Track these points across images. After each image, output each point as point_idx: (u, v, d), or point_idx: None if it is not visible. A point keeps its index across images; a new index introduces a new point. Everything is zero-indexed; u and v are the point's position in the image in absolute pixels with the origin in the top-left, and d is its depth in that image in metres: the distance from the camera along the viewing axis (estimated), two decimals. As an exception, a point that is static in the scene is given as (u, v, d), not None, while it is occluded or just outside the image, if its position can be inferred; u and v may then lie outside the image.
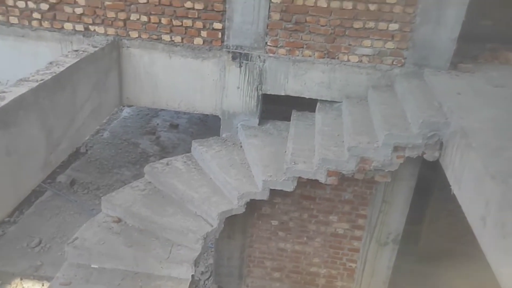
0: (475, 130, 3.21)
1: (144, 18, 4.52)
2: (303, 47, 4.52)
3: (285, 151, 4.35)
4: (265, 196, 4.15)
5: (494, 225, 2.53)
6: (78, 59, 3.93)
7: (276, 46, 4.54)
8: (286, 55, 4.57)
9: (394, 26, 4.34)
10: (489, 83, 4.17)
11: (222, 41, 4.58)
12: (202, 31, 4.53)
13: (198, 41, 4.58)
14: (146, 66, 4.73)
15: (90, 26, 4.62)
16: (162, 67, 4.71)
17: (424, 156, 3.73)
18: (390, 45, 4.42)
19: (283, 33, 4.47)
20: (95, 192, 6.86)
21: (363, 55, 4.50)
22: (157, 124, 8.95)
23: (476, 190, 2.87)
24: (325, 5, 4.31)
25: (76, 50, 4.18)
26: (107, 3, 4.48)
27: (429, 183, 5.85)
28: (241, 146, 4.76)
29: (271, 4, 4.36)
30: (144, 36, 4.61)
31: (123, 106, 8.27)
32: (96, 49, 4.27)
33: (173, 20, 4.50)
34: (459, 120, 3.38)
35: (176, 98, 4.86)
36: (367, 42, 4.43)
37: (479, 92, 3.95)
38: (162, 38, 4.60)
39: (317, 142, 4.17)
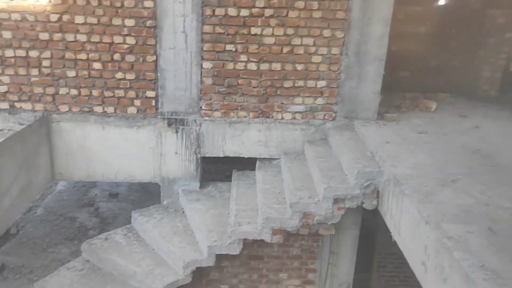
0: (406, 177, 3.36)
1: (74, 92, 4.45)
2: (237, 109, 4.63)
3: (229, 213, 4.30)
4: (211, 262, 4.03)
5: (434, 270, 2.60)
6: (3, 139, 3.74)
7: (211, 110, 4.61)
8: (221, 117, 4.64)
9: (322, 83, 4.58)
10: (413, 130, 4.44)
11: (157, 109, 4.58)
12: (135, 100, 4.53)
13: (131, 110, 4.55)
14: (79, 139, 4.60)
15: (16, 103, 4.46)
16: (96, 139, 4.60)
17: (364, 205, 3.82)
18: (320, 101, 4.64)
19: (216, 97, 4.56)
20: (29, 276, 6.30)
21: (296, 112, 4.67)
22: (96, 194, 8.56)
23: (414, 236, 2.96)
24: (255, 68, 4.48)
25: (1, 130, 3.98)
26: (33, 79, 4.38)
27: (372, 228, 5.98)
28: (183, 212, 4.66)
29: (202, 70, 4.47)
30: (75, 109, 4.52)
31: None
32: (23, 126, 4.11)
33: (104, 91, 4.47)
34: (391, 168, 3.53)
35: (112, 169, 4.73)
36: (299, 100, 4.63)
37: (405, 139, 4.19)
38: (94, 110, 4.53)
39: (260, 201, 4.17)
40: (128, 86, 4.47)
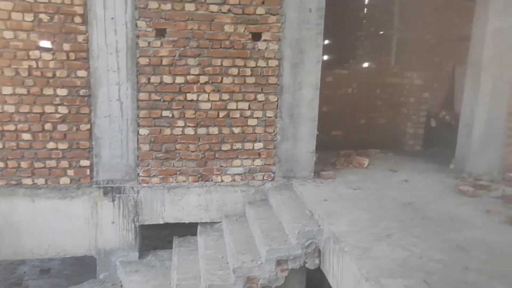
0: (345, 234, 3.45)
1: (0, 164, 4.22)
2: (176, 174, 4.59)
3: (170, 283, 4.12)
4: None
5: (378, 328, 2.62)
6: None
7: (149, 176, 4.54)
8: (160, 183, 4.58)
9: (259, 145, 4.70)
10: (349, 187, 4.62)
11: (91, 178, 4.44)
12: (68, 170, 4.37)
13: (64, 180, 4.37)
14: (5, 215, 4.30)
15: None
16: (25, 213, 4.33)
17: (306, 265, 3.83)
18: (258, 162, 4.73)
19: (154, 163, 4.52)
20: None
21: (235, 174, 4.71)
22: (24, 272, 7.84)
23: (356, 294, 2.99)
24: (192, 133, 4.53)
25: None
26: (-47, 153, 4.13)
27: (319, 285, 5.95)
28: (121, 286, 4.40)
29: (139, 137, 4.45)
30: (1, 182, 4.26)
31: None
32: None
33: (34, 162, 4.28)
34: (329, 226, 3.61)
35: (43, 244, 4.42)
36: (237, 162, 4.69)
37: (342, 196, 4.33)
38: (23, 183, 4.30)
39: (202, 268, 4.05)
40: (60, 156, 4.32)
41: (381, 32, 8.37)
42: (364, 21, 8.52)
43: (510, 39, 4.88)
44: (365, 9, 8.59)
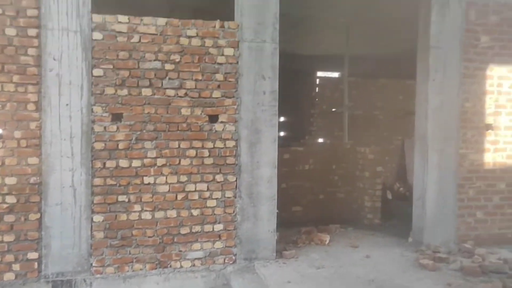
0: (310, 318, 3.33)
1: None
2: (132, 262, 4.37)
3: None
4: None
5: None
6: None
7: (103, 266, 4.29)
8: (115, 273, 4.32)
9: (219, 227, 4.60)
10: (312, 266, 4.54)
11: (39, 271, 4.13)
12: (14, 264, 4.05)
13: (9, 276, 4.03)
14: None
15: None
16: (-39, 316, 3.92)
17: None
18: (218, 244, 4.60)
19: (109, 251, 4.29)
20: None
21: (195, 258, 4.55)
22: None
23: None
24: (149, 217, 4.39)
25: None
26: None
27: None
28: None
29: (93, 224, 4.25)
30: None
31: None
32: None
33: (-25, 258, 3.96)
34: (294, 311, 3.48)
35: None
36: (197, 245, 4.55)
37: (305, 276, 4.23)
38: (-39, 281, 3.94)
39: None
40: (6, 250, 4.02)
41: (333, 110, 8.80)
42: (317, 99, 8.96)
43: (448, 116, 5.25)
44: (317, 88, 9.06)
